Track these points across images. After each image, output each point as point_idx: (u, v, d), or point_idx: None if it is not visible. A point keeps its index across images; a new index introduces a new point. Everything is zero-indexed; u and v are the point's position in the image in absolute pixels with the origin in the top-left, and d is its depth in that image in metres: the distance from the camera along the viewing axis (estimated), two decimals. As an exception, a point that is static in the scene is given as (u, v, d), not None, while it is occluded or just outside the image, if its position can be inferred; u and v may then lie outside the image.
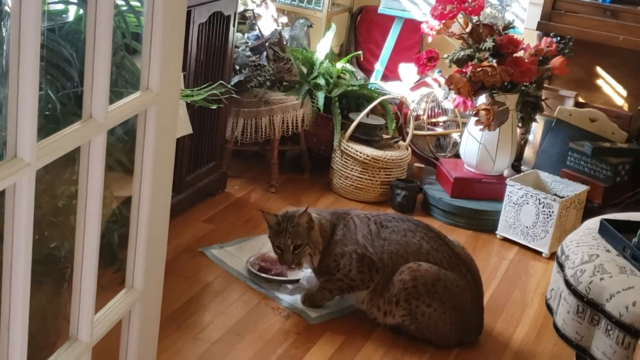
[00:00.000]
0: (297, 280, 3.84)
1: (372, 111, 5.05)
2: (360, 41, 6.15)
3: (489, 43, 4.55)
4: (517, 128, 4.91)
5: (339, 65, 5.30)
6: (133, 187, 2.00)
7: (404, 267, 3.48)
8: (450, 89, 4.61)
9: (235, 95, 4.44)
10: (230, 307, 3.62)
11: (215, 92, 3.39)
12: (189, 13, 3.89)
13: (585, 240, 3.14)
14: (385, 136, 5.09)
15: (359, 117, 4.94)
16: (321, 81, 5.05)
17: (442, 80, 4.88)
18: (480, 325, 3.61)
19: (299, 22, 5.39)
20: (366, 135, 4.96)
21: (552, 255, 4.29)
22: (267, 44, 4.93)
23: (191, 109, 4.02)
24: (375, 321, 3.58)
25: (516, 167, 5.27)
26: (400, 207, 4.80)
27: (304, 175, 5.25)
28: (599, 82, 5.31)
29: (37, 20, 1.43)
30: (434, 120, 5.50)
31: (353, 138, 4.96)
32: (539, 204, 4.47)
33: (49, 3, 2.62)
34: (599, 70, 5.30)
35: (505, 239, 4.65)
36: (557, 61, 4.65)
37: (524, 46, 4.65)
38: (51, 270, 2.56)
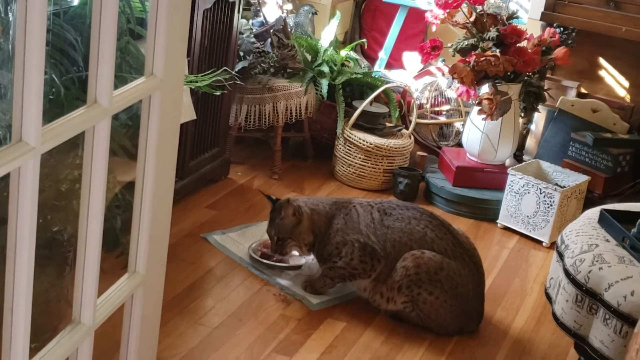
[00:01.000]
0: (299, 267, 3.86)
1: (376, 99, 5.06)
2: (364, 29, 6.15)
3: (492, 33, 4.56)
4: (520, 118, 4.92)
5: (343, 52, 5.30)
6: (136, 172, 2.02)
7: (408, 254, 3.49)
8: (453, 78, 4.62)
9: (239, 82, 4.45)
10: (232, 292, 3.64)
11: (219, 78, 3.40)
12: (193, -1, 3.90)
13: (584, 230, 3.15)
14: (388, 124, 5.11)
15: (363, 105, 4.95)
16: (325, 69, 5.06)
17: (446, 69, 4.89)
18: (480, 314, 3.63)
19: (304, 9, 5.40)
20: (369, 123, 4.97)
21: (553, 245, 4.31)
22: (271, 30, 4.93)
23: (195, 95, 4.03)
24: (378, 308, 3.59)
25: (518, 156, 5.28)
26: (403, 195, 4.82)
27: (306, 162, 5.26)
28: (602, 73, 5.32)
29: (43, 4, 1.44)
30: (437, 109, 5.50)
31: (356, 126, 4.97)
32: (540, 193, 4.49)
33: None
34: (601, 61, 5.30)
35: (506, 228, 4.67)
36: (560, 52, 4.65)
37: (527, 36, 4.66)
38: (54, 254, 2.58)
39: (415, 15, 5.85)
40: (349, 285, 3.69)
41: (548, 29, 4.77)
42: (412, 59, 5.67)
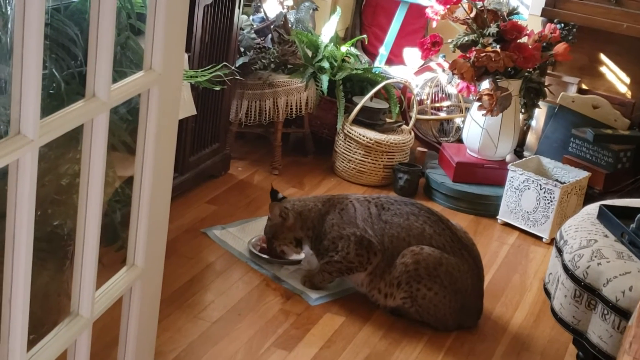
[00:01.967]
0: (298, 262, 3.87)
1: (376, 95, 5.06)
2: (365, 25, 6.16)
3: (493, 29, 4.56)
4: (520, 114, 4.92)
5: (344, 48, 5.31)
6: (135, 167, 2.03)
7: (407, 250, 3.50)
8: (453, 74, 4.63)
9: (239, 78, 4.45)
10: (231, 287, 3.65)
11: (219, 73, 3.41)
12: (194, -6, 3.91)
13: (584, 226, 3.16)
14: (388, 120, 5.11)
15: (363, 101, 4.95)
16: (325, 64, 5.06)
17: (446, 65, 4.90)
18: (479, 310, 3.64)
19: (305, 5, 5.40)
20: (370, 119, 4.98)
21: (552, 241, 4.31)
22: (272, 26, 4.94)
23: (195, 91, 4.03)
24: (376, 303, 3.60)
25: (518, 152, 5.28)
26: (403, 191, 4.82)
27: (307, 158, 5.27)
28: (602, 69, 5.32)
29: (42, -1, 1.45)
30: (437, 104, 5.51)
31: (356, 121, 4.98)
32: (540, 189, 4.49)
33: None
34: (602, 57, 5.30)
35: (506, 224, 4.67)
36: (560, 48, 4.66)
37: (528, 32, 4.66)
38: (54, 248, 2.59)
39: (416, 11, 5.86)
40: (346, 281, 3.70)
41: (549, 25, 4.77)
42: (412, 54, 5.67)
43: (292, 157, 5.22)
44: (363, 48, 6.00)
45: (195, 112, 3.97)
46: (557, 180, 4.65)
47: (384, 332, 3.49)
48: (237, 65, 4.55)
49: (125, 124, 2.59)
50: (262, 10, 5.03)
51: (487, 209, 4.77)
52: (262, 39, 4.88)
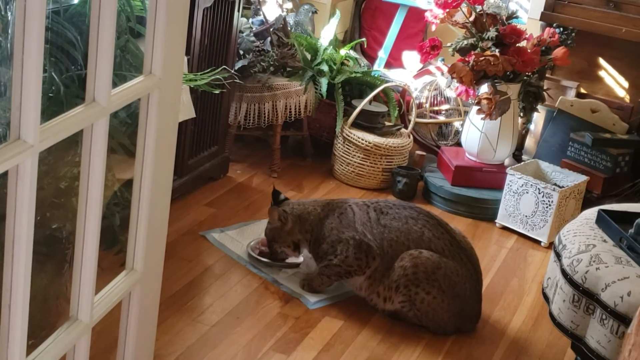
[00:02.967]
0: (297, 265, 3.87)
1: (375, 98, 5.06)
2: (364, 28, 6.16)
3: (492, 32, 4.56)
4: (519, 118, 4.92)
5: (343, 51, 5.30)
6: (134, 170, 2.03)
7: (405, 253, 3.50)
8: (452, 78, 4.63)
9: (238, 80, 4.46)
10: (230, 290, 3.64)
11: (218, 76, 3.41)
12: (193, -3, 3.91)
13: (582, 230, 3.16)
14: (387, 123, 5.11)
15: (362, 104, 4.96)
16: (324, 67, 5.06)
17: (445, 69, 4.90)
18: (478, 314, 3.64)
19: (304, 8, 5.40)
20: (368, 122, 4.98)
21: (551, 245, 4.31)
22: (271, 29, 4.94)
23: (195, 93, 4.03)
24: (375, 307, 3.60)
25: (517, 156, 5.29)
26: (401, 194, 4.82)
27: (305, 161, 5.27)
28: (601, 73, 5.32)
29: (42, 3, 1.44)
30: (436, 108, 5.51)
31: (355, 125, 4.98)
32: (539, 193, 4.49)
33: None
34: (601, 61, 5.31)
35: (504, 228, 4.67)
36: (559, 52, 4.66)
37: (526, 36, 4.66)
38: (53, 252, 2.58)
39: (415, 15, 5.86)
40: (345, 284, 3.70)
41: (547, 29, 4.78)
42: (411, 58, 5.67)
43: (291, 160, 5.22)
44: (362, 51, 6.00)
45: (194, 115, 3.97)
46: (555, 184, 4.65)
47: (383, 335, 3.49)
48: (236, 68, 4.56)
49: (124, 127, 2.59)
50: (261, 13, 5.03)
51: (485, 212, 4.77)
52: (261, 41, 4.88)
